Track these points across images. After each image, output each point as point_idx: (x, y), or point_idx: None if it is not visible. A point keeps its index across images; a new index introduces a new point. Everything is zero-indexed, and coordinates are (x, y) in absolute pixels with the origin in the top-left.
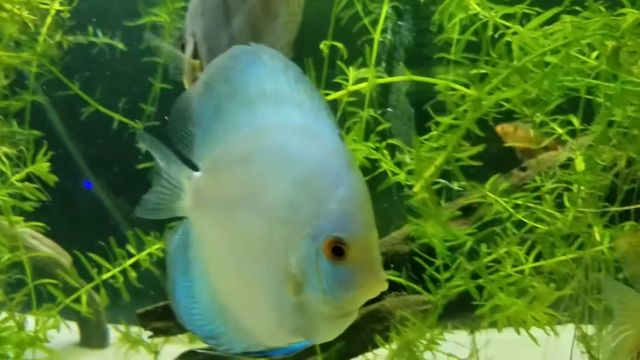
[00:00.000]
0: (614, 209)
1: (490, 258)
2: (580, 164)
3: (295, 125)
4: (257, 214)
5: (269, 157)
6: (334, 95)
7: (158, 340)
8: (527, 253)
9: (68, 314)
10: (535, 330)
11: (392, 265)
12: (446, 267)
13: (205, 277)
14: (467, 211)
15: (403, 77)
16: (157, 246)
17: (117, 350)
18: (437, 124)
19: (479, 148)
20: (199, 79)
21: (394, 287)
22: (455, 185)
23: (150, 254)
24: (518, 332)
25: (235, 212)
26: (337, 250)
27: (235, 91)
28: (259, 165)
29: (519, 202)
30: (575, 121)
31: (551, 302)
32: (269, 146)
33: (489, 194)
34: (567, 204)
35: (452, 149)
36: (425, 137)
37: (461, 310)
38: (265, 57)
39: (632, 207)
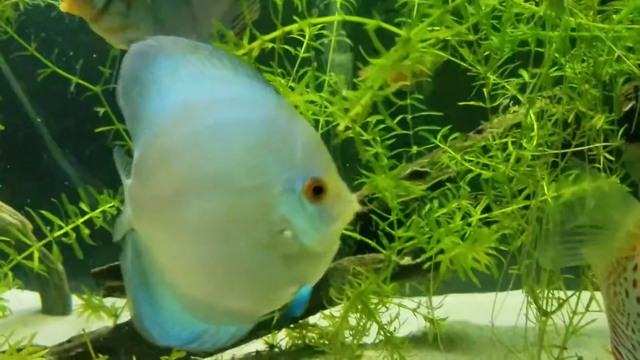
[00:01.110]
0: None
1: (441, 212)
2: (530, 119)
3: (223, 97)
4: (217, 194)
5: (209, 137)
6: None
7: (119, 304)
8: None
9: (31, 285)
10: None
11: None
12: (401, 223)
13: (164, 283)
14: (423, 174)
15: (335, 17)
16: (110, 204)
17: (79, 317)
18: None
19: (405, 83)
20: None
21: (359, 248)
22: (414, 150)
23: (103, 212)
24: (461, 276)
25: (187, 202)
26: (317, 190)
27: (147, 88)
28: (201, 148)
29: (471, 158)
30: (525, 74)
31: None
32: (205, 126)
33: (445, 146)
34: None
35: (378, 88)
36: (360, 79)
37: (417, 271)
38: (168, 45)
39: (571, 150)
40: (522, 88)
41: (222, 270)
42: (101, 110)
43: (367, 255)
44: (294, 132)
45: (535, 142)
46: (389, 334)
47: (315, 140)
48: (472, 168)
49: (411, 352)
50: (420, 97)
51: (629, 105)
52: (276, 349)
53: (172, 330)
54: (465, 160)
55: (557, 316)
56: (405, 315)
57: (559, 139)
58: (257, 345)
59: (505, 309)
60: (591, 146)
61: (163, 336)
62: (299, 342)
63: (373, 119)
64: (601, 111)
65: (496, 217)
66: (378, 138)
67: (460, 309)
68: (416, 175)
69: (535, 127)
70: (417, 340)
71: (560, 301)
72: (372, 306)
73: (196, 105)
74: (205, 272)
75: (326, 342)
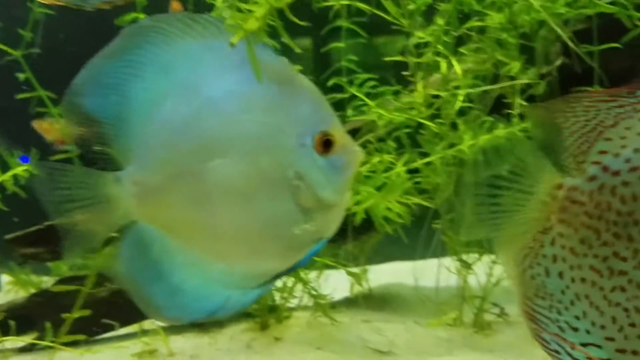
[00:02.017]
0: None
1: (366, 168)
2: (458, 69)
3: (229, 64)
4: (235, 157)
5: (222, 103)
6: None
7: (47, 278)
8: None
9: None
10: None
11: None
12: None
13: (184, 263)
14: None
15: None
16: (22, 168)
17: (7, 293)
18: None
19: None
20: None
21: None
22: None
23: (14, 176)
24: (379, 227)
25: (208, 169)
26: (326, 142)
27: (142, 68)
28: (215, 115)
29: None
30: (440, 21)
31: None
32: (216, 93)
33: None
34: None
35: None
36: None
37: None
38: (163, 22)
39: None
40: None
41: (247, 231)
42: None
43: None
44: (299, 89)
45: (461, 98)
46: (314, 292)
47: (318, 95)
48: (394, 116)
49: (342, 312)
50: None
51: (559, 61)
52: None
53: (196, 306)
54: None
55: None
56: (345, 282)
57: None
58: None
59: (444, 272)
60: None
61: (188, 315)
62: None
63: None
64: (518, 59)
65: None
66: None
67: (401, 274)
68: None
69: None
70: (351, 302)
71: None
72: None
73: (202, 76)
74: (231, 235)
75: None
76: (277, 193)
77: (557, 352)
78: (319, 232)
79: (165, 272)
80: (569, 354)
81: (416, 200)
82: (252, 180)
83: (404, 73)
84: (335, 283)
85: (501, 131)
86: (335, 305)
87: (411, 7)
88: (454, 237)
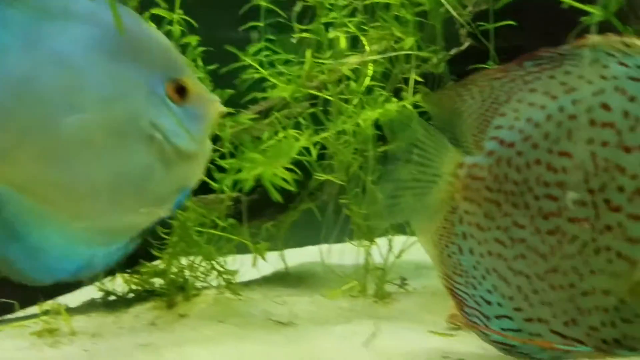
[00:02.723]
0: None
1: (270, 143)
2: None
3: (73, 13)
4: (87, 109)
5: (67, 56)
6: None
7: None
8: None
9: None
10: None
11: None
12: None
13: (43, 223)
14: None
15: None
16: None
17: None
18: None
19: None
20: None
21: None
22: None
23: None
24: (270, 192)
25: (61, 123)
26: (180, 90)
27: None
28: (61, 67)
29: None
30: None
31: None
32: (60, 46)
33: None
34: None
35: None
36: None
37: (266, 210)
38: None
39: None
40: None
41: (103, 186)
42: None
43: (210, 196)
44: (149, 39)
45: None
46: (222, 269)
47: (168, 43)
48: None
49: (254, 290)
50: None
51: (466, 44)
52: (112, 296)
53: (59, 266)
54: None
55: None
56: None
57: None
58: (92, 292)
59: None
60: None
61: (52, 276)
62: (137, 287)
63: None
64: (414, 35)
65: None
66: None
67: (319, 255)
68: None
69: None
70: (266, 280)
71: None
72: (197, 237)
73: (46, 28)
74: (87, 191)
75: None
76: (132, 145)
77: (476, 324)
78: (180, 183)
79: (22, 233)
80: (486, 326)
81: (327, 176)
82: (104, 133)
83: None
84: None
85: (393, 105)
86: (249, 284)
87: None
88: (356, 211)
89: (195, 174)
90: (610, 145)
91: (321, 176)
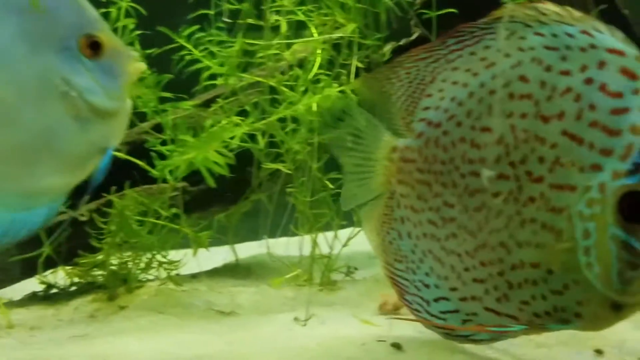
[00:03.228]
0: None
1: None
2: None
3: None
4: None
5: None
6: None
7: None
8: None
9: None
10: None
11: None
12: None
13: None
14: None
15: None
16: None
17: None
18: None
19: None
20: None
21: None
22: None
23: None
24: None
25: None
26: (94, 45)
27: None
28: None
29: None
30: None
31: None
32: None
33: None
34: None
35: None
36: None
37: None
38: None
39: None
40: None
41: (16, 147)
42: None
43: (155, 186)
44: None
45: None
46: (164, 261)
47: (82, 0)
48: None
49: (202, 281)
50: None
51: (416, 34)
52: (54, 289)
53: None
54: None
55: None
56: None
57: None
58: (34, 285)
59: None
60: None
61: None
62: (80, 280)
63: None
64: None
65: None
66: None
67: (277, 247)
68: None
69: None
70: (215, 272)
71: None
72: (137, 228)
73: None
74: (3, 151)
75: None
76: (45, 103)
77: (419, 311)
78: (100, 143)
79: None
80: (428, 312)
81: (274, 165)
82: (15, 91)
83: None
84: (213, 255)
85: (332, 90)
86: (197, 276)
87: None
88: (301, 199)
89: (116, 134)
90: (528, 116)
91: (269, 165)
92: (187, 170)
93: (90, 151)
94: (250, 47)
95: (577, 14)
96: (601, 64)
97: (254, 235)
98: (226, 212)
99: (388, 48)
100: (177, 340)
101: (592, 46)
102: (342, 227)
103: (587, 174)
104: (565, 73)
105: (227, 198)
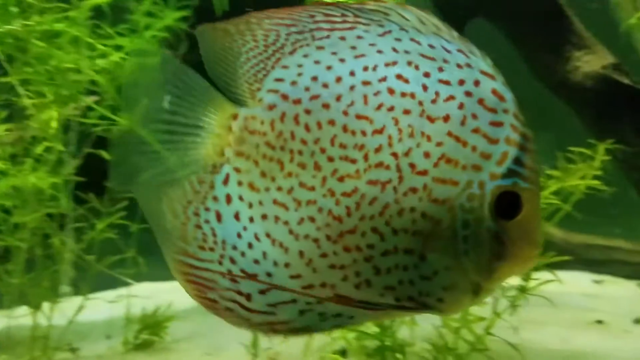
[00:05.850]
0: None
1: None
2: None
3: None
4: None
5: None
6: None
7: None
8: None
9: None
10: None
11: None
12: None
13: None
14: None
15: None
16: None
17: None
18: None
19: None
20: None
21: None
22: None
23: None
24: None
25: None
26: None
27: None
28: None
29: None
30: None
31: None
32: None
33: None
34: None
35: None
36: None
37: None
38: None
39: None
40: None
41: None
42: None
43: None
44: None
45: None
46: None
47: None
48: None
49: None
50: None
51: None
52: None
53: None
54: None
55: None
56: None
57: None
58: None
59: None
60: None
61: None
62: None
63: None
64: None
65: None
66: None
67: None
68: None
69: None
70: None
71: None
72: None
73: None
74: None
75: None
76: None
77: (230, 310)
78: None
79: None
80: (246, 307)
81: None
82: None
83: None
84: None
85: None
86: None
87: None
88: None
89: None
90: (413, 113)
91: None
92: None
93: None
94: None
95: (455, 32)
96: (476, 83)
97: None
98: None
99: None
100: None
101: (468, 65)
102: None
103: (469, 172)
104: (446, 83)
105: None
